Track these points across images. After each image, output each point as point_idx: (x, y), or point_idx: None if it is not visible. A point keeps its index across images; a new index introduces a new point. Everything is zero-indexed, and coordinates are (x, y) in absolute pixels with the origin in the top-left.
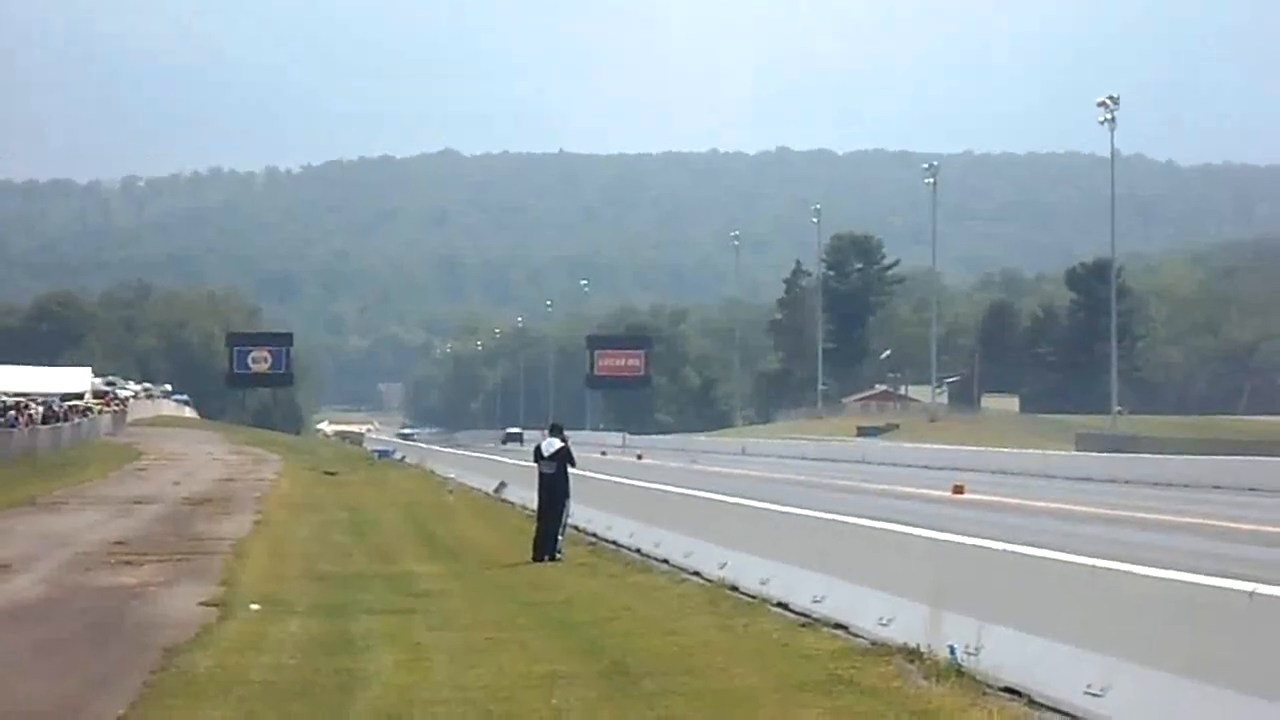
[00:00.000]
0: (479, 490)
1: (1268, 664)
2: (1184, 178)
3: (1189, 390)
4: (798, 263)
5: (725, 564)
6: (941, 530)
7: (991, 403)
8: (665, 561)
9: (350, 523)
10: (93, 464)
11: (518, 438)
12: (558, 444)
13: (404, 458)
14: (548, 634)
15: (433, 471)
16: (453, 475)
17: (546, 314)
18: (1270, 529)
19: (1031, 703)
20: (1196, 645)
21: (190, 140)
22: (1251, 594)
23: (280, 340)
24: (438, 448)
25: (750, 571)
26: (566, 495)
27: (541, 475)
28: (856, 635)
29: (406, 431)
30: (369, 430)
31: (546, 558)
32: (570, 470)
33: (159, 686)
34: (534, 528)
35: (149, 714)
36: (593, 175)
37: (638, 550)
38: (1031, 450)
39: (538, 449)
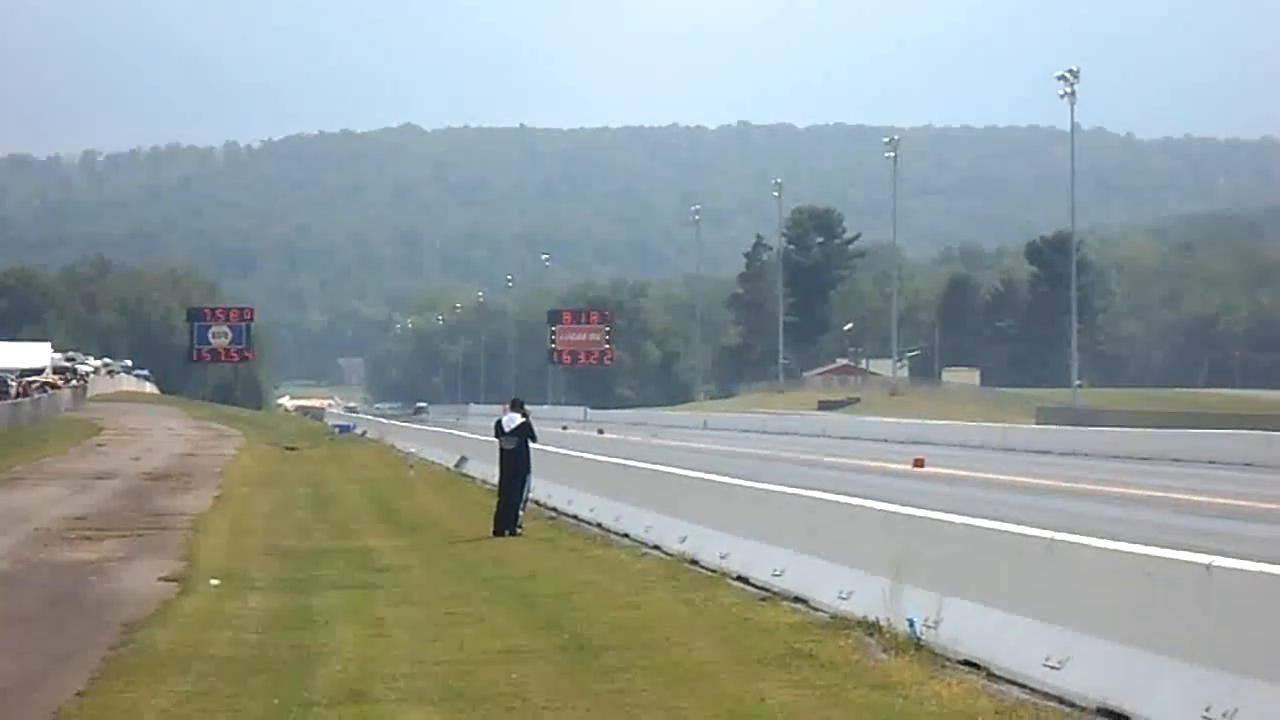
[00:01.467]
0: (440, 465)
1: (1225, 636)
2: (1144, 151)
3: (1149, 363)
4: (758, 237)
5: (686, 538)
6: (902, 504)
7: (952, 376)
8: (626, 536)
9: (311, 498)
10: (53, 439)
11: (424, 411)
12: (519, 419)
13: (365, 433)
14: (508, 609)
15: (394, 446)
16: (414, 450)
17: (507, 289)
18: (1228, 502)
19: (990, 675)
20: (1155, 618)
21: (150, 115)
22: (1209, 566)
23: (241, 316)
24: (400, 423)
25: (711, 545)
26: (528, 470)
27: (502, 450)
28: (816, 609)
29: (420, 406)
30: (329, 405)
31: (507, 532)
32: (531, 445)
33: (119, 662)
34: (495, 503)
35: (109, 689)
36: (553, 150)
37: (598, 525)
38: (992, 424)
39: (499, 424)
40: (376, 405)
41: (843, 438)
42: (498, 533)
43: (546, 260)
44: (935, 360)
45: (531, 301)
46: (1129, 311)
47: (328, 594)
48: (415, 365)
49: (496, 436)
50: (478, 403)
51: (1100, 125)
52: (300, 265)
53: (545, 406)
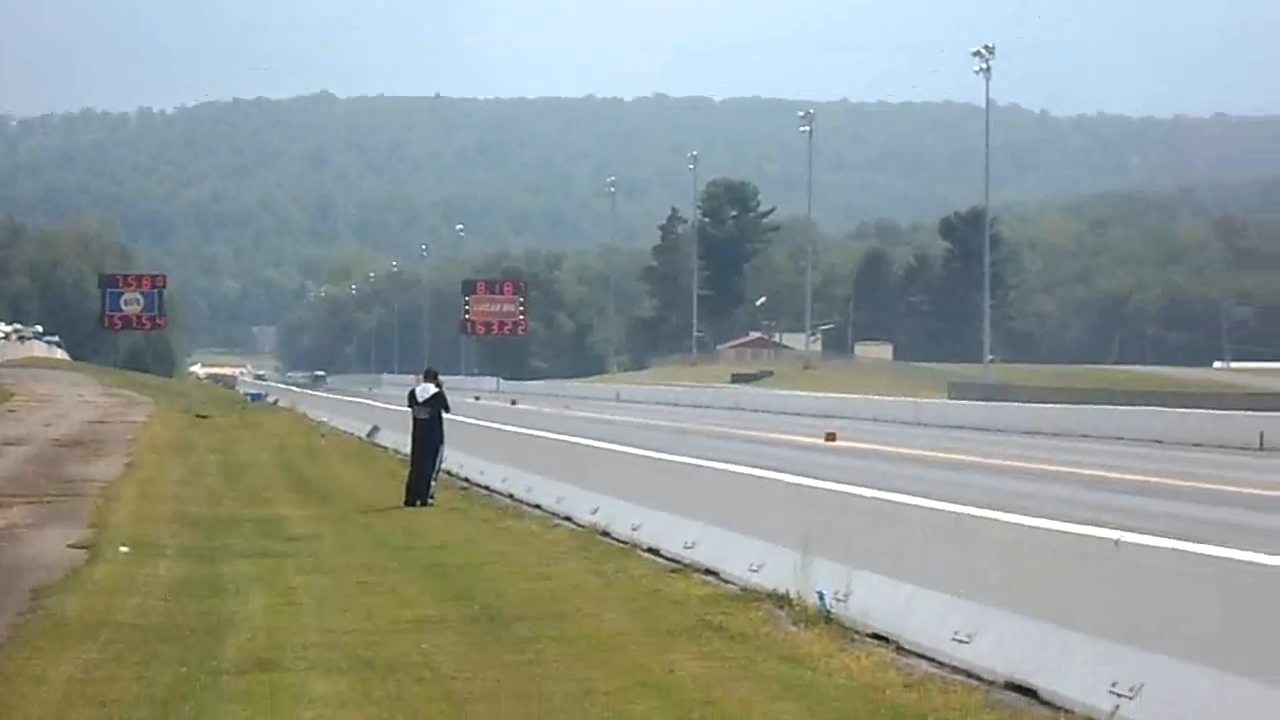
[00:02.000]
0: (352, 435)
1: (1133, 611)
2: (1058, 128)
3: (1061, 340)
4: (674, 209)
5: (597, 509)
6: (813, 477)
7: (865, 351)
8: (537, 507)
9: (222, 466)
10: None
11: (323, 379)
12: (432, 389)
13: (277, 401)
14: (419, 579)
15: (305, 415)
16: (325, 419)
17: (422, 258)
18: (1137, 478)
19: (900, 649)
20: (1063, 592)
21: (63, 79)
22: (1118, 542)
23: (153, 283)
24: (310, 392)
25: (622, 517)
26: (440, 441)
27: (415, 420)
28: (727, 581)
29: (319, 374)
30: (241, 374)
31: (419, 502)
32: (444, 416)
33: (26, 629)
34: (407, 472)
35: (16, 656)
36: (469, 120)
37: (510, 495)
38: (904, 398)
39: (412, 393)
40: (289, 374)
41: (755, 411)
42: (409, 502)
43: (461, 230)
44: (848, 334)
45: (446, 271)
46: (1042, 288)
47: (238, 562)
48: (328, 334)
49: (409, 406)
50: (391, 372)
51: (1015, 102)
52: (214, 232)
53: (458, 377)
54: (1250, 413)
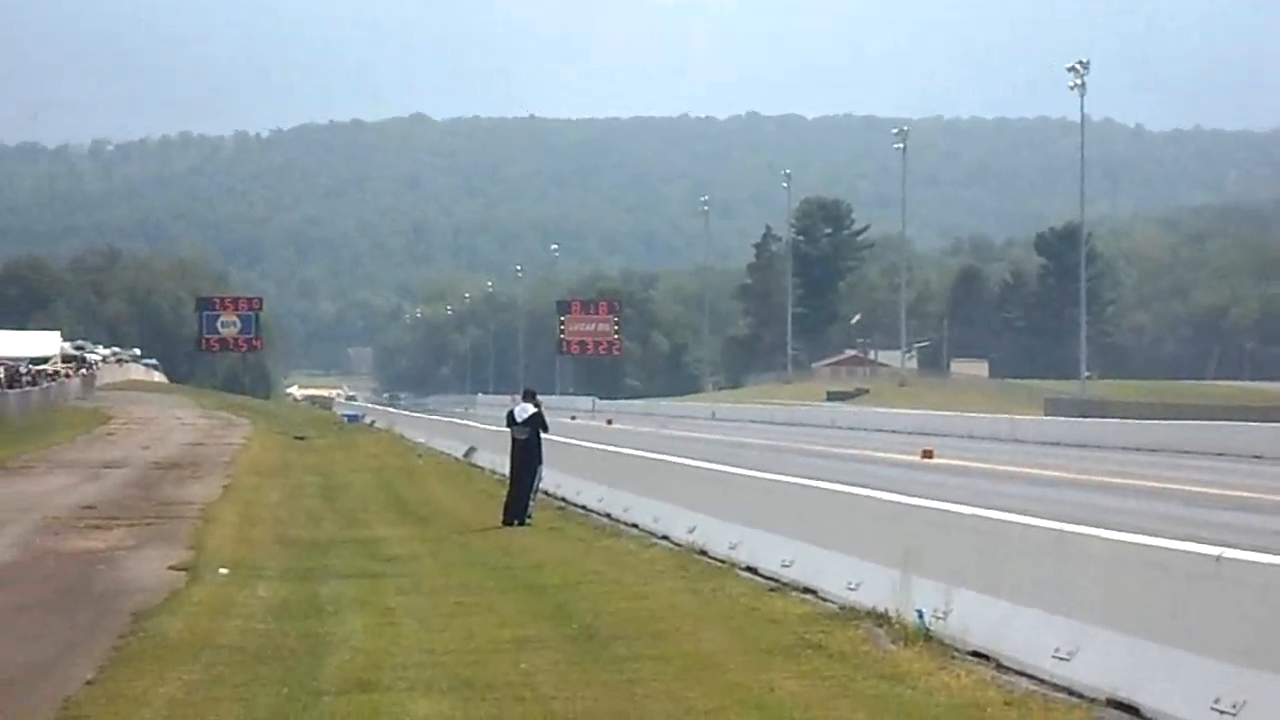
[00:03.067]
0: (448, 455)
1: (1235, 628)
2: (1153, 142)
3: (1157, 355)
4: (767, 228)
5: (694, 528)
6: (910, 495)
7: (961, 368)
8: (634, 526)
9: (320, 487)
10: (61, 428)
11: (399, 399)
12: (531, 409)
13: (373, 422)
14: (516, 598)
15: (402, 436)
16: (422, 440)
17: (516, 279)
18: (1237, 493)
19: (1000, 667)
20: (1164, 609)
21: (160, 104)
22: (1219, 558)
23: (249, 305)
24: (408, 413)
25: (719, 536)
26: (539, 461)
27: (514, 440)
28: (825, 599)
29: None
30: (337, 395)
31: (516, 522)
32: (542, 435)
33: (127, 651)
34: (504, 492)
35: (118, 677)
36: (563, 140)
37: (607, 515)
38: (1000, 415)
39: (510, 414)
40: (384, 395)
41: (851, 428)
42: (507, 522)
43: (555, 251)
44: (944, 351)
45: (540, 292)
46: (1138, 303)
47: (336, 583)
48: (424, 355)
49: (508, 426)
50: (486, 393)
51: (1109, 116)
52: (309, 255)
53: (554, 396)
54: None
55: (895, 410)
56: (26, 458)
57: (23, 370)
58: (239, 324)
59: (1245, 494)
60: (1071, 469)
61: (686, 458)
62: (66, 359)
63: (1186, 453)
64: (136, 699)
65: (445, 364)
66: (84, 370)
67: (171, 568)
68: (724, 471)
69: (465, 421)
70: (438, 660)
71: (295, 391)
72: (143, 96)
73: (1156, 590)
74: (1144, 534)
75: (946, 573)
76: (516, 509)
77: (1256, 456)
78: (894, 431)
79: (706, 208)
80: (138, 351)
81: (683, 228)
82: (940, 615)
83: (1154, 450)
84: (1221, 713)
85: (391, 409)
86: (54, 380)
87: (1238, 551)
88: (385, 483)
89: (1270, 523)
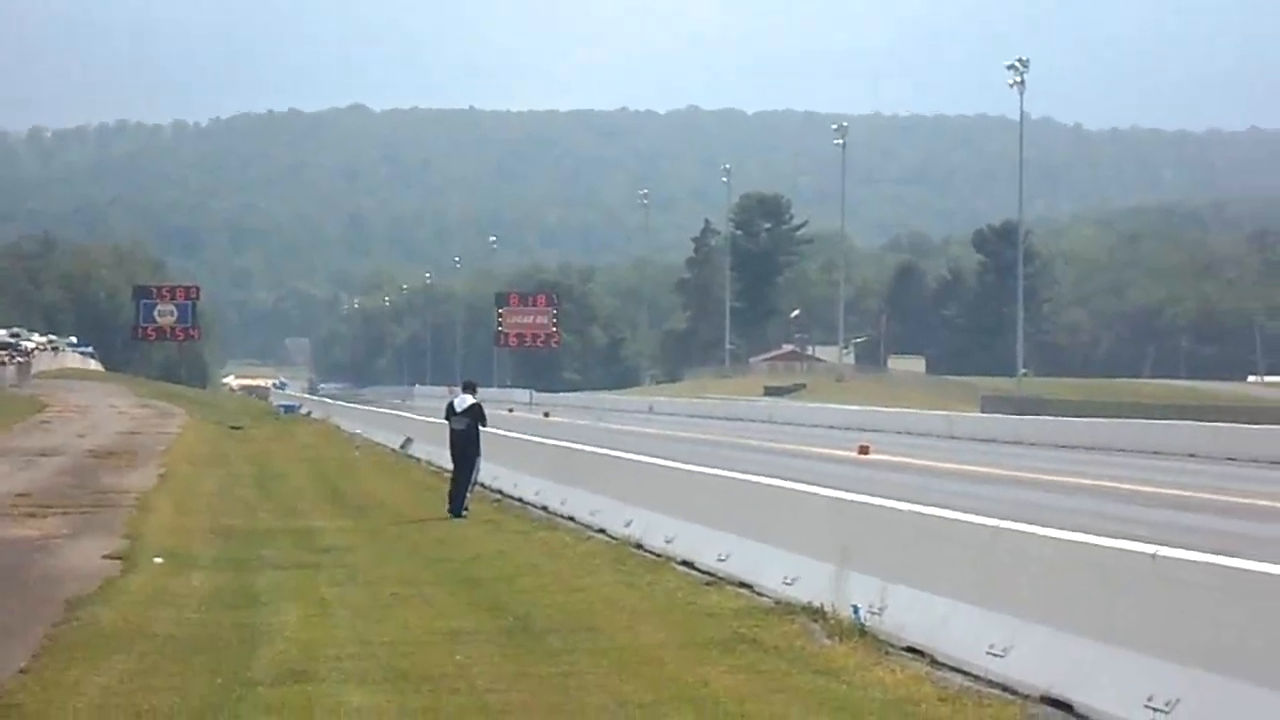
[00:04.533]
0: (384, 446)
1: (1169, 626)
2: (1092, 142)
3: (1094, 354)
4: (706, 222)
5: (630, 522)
6: (847, 490)
7: (898, 364)
8: (571, 519)
9: (256, 477)
10: None
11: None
12: (470, 400)
13: (310, 413)
14: (452, 590)
15: (338, 427)
16: (359, 430)
17: (454, 271)
18: (1172, 492)
19: (934, 662)
20: (1099, 607)
21: (99, 92)
22: (1154, 556)
23: (186, 294)
24: (344, 403)
25: (656, 529)
26: (477, 453)
27: (453, 431)
28: (761, 594)
29: (326, 387)
30: (273, 385)
31: (453, 514)
32: (481, 428)
33: (61, 639)
34: (440, 484)
35: (51, 666)
36: (502, 133)
37: (544, 508)
38: (937, 411)
39: (450, 405)
40: (321, 385)
41: (788, 423)
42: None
43: (494, 243)
44: (881, 347)
45: (478, 284)
46: (1075, 301)
47: (272, 573)
48: (361, 346)
49: (447, 418)
50: (423, 384)
51: (1048, 115)
52: (247, 244)
53: (491, 389)
54: None
55: (832, 406)
56: None
57: None
58: (176, 313)
59: (1180, 492)
60: (1007, 466)
61: (624, 451)
62: (1, 346)
63: (1121, 451)
64: (70, 688)
65: (383, 355)
66: (19, 358)
67: (106, 556)
68: (661, 466)
69: (402, 413)
70: (373, 652)
71: (232, 381)
72: (81, 84)
73: (1091, 588)
74: (1080, 532)
75: (882, 568)
76: (454, 501)
77: (1191, 455)
78: (831, 427)
79: (646, 202)
80: (74, 340)
81: (621, 221)
82: (876, 611)
83: (1089, 448)
84: (1155, 710)
85: (326, 400)
86: None
87: (1173, 550)
88: (321, 473)
89: (1205, 521)
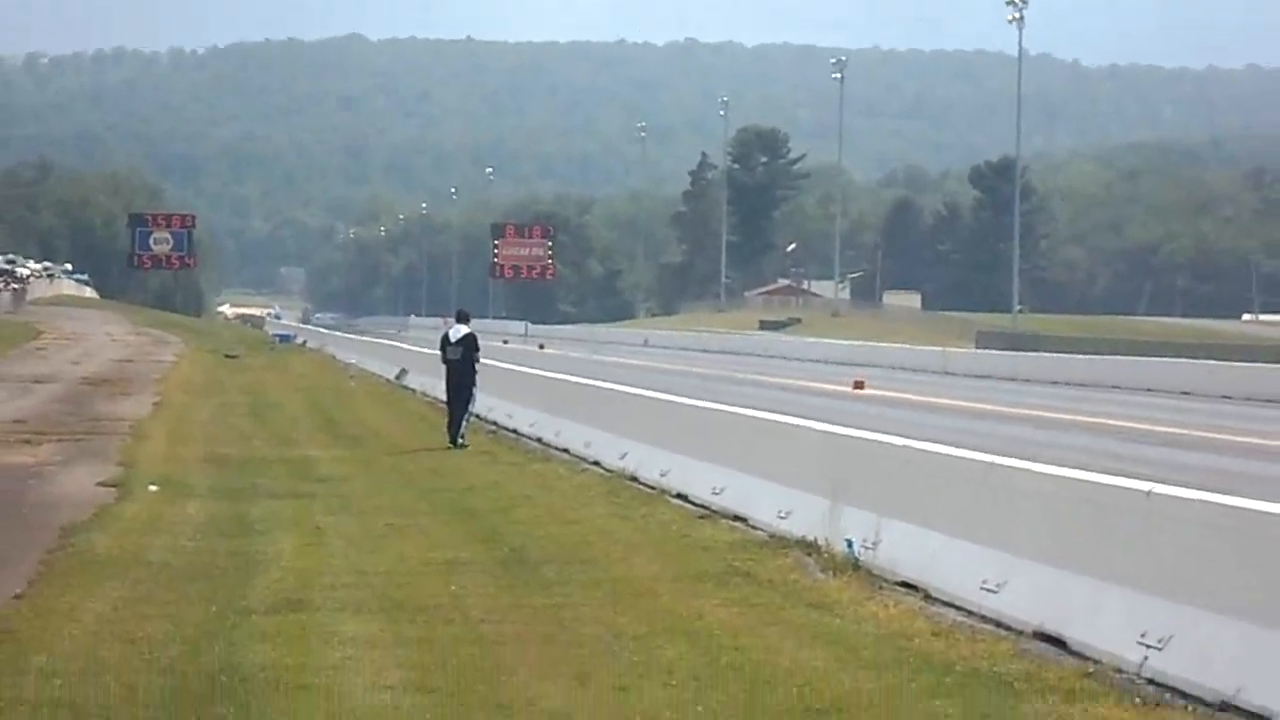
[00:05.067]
0: (380, 376)
1: (1163, 563)
2: (1090, 78)
3: (1090, 290)
4: (703, 155)
5: (625, 454)
6: (841, 425)
7: (894, 299)
8: (565, 451)
9: (251, 406)
10: None
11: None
12: (464, 330)
13: (305, 342)
14: (447, 521)
15: (334, 357)
16: (354, 360)
17: (451, 201)
18: (1166, 429)
19: (928, 597)
20: (1093, 543)
21: (96, 18)
22: (1149, 493)
23: (183, 222)
24: (339, 333)
25: (650, 462)
26: (473, 383)
27: (448, 362)
28: (755, 528)
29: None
30: (268, 314)
31: (450, 445)
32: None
33: (56, 566)
34: (434, 414)
35: (46, 593)
36: (499, 63)
37: (538, 439)
38: (932, 347)
39: (444, 336)
40: (316, 315)
41: (783, 358)
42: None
43: (490, 174)
44: (877, 283)
45: (475, 215)
46: (1071, 238)
47: (267, 502)
48: (357, 275)
49: (442, 349)
50: (419, 315)
51: (1047, 51)
52: (243, 173)
53: (487, 320)
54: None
55: (827, 340)
56: None
57: None
58: (172, 241)
59: (1175, 430)
60: (1002, 402)
61: (619, 384)
62: None
63: (1117, 388)
64: (64, 614)
65: (378, 285)
66: (14, 285)
67: (101, 484)
68: (655, 399)
69: (397, 344)
70: (368, 581)
71: (227, 310)
72: (79, 10)
73: (1086, 524)
74: (1074, 468)
75: (876, 503)
76: (450, 431)
77: (1186, 393)
78: (825, 362)
79: (643, 134)
80: (69, 267)
81: (619, 153)
82: (869, 545)
83: (1084, 385)
84: (1148, 646)
85: (321, 330)
86: None
87: (1167, 487)
88: (316, 403)
89: (1199, 459)
